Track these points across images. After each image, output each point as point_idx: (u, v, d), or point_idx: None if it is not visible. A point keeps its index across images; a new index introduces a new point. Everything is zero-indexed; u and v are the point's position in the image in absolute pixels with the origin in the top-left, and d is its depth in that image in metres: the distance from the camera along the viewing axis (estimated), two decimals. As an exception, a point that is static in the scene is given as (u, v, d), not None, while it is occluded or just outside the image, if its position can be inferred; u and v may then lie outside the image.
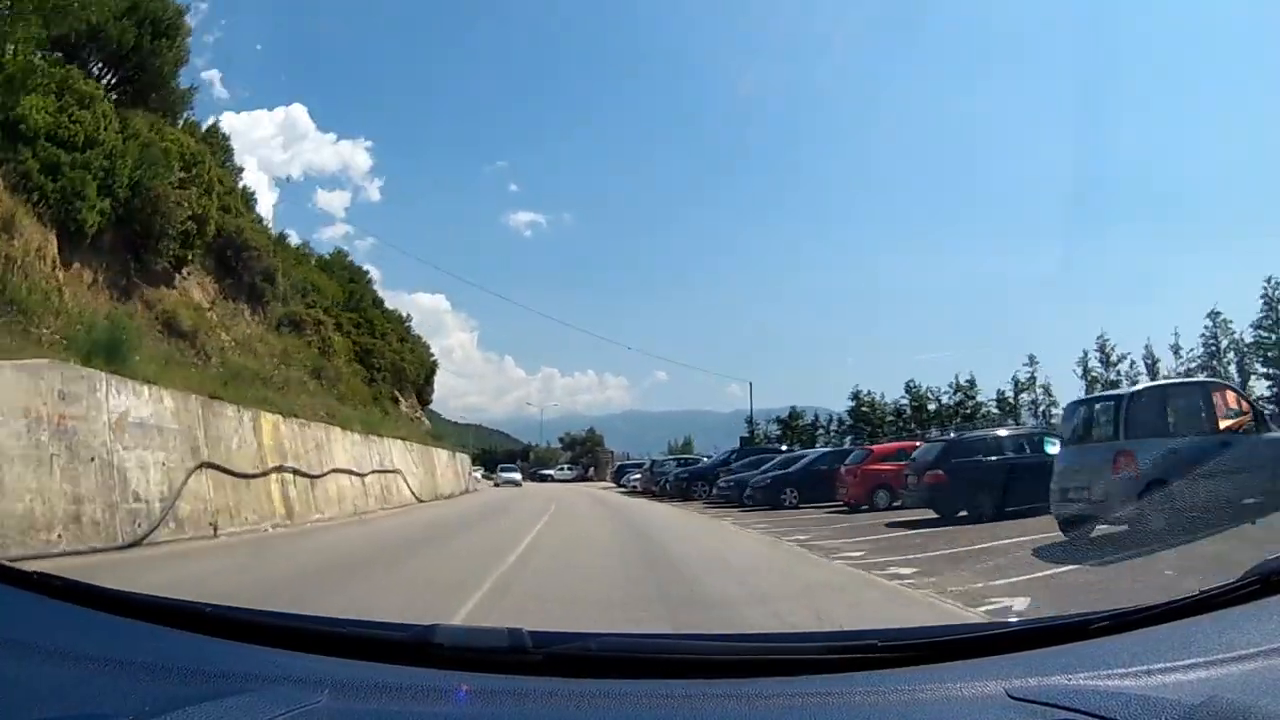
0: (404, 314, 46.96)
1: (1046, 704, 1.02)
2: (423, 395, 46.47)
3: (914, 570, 7.97)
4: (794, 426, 42.01)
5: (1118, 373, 30.48)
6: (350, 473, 18.73)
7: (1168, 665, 1.11)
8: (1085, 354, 31.31)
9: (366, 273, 41.84)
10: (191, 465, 11.44)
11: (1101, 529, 8.90)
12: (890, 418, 38.45)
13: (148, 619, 1.32)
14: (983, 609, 5.88)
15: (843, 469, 17.66)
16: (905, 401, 38.35)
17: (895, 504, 15.38)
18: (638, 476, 35.77)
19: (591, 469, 66.98)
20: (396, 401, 35.06)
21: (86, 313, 13.24)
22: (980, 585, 6.85)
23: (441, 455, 33.37)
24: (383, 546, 11.67)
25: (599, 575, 8.54)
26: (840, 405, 41.32)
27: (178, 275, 19.24)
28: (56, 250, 14.31)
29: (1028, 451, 13.49)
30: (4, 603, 1.34)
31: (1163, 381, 20.05)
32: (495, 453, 77.23)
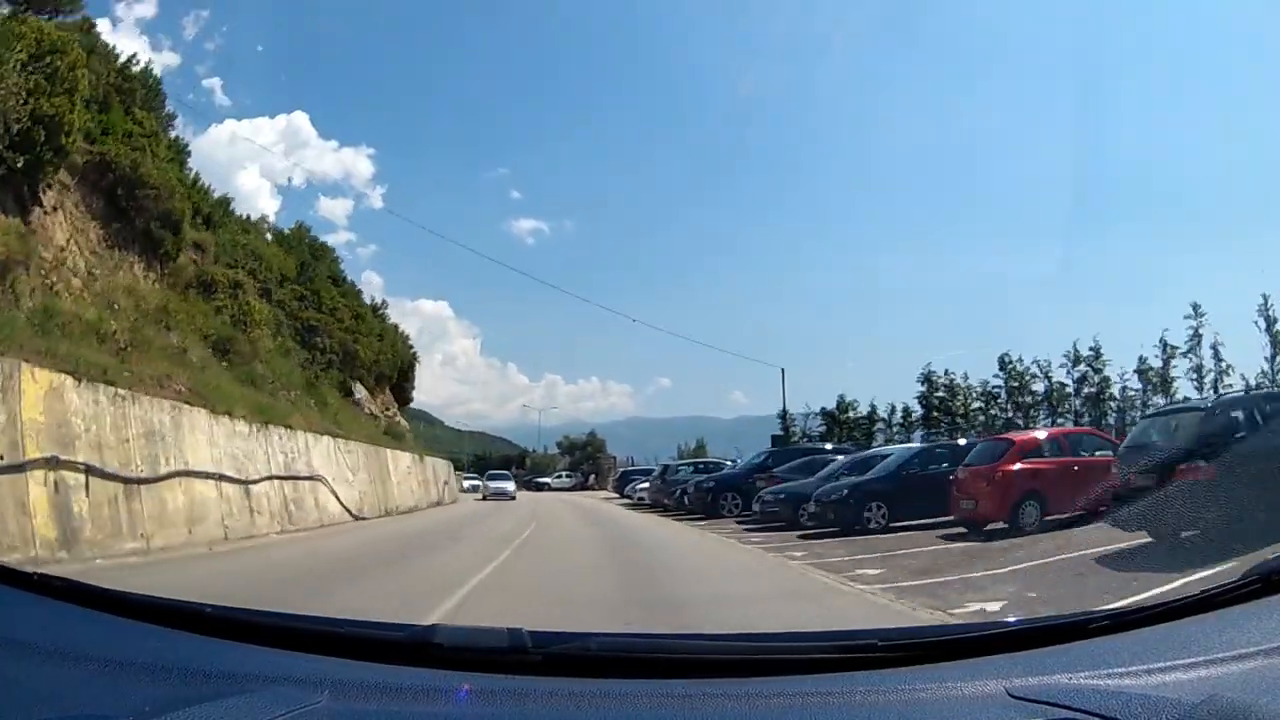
0: (378, 301, 41.77)
1: (1047, 703, 1.02)
2: (401, 393, 41.82)
3: None
4: (843, 420, 33.24)
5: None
6: (221, 478, 12.93)
7: (1168, 664, 1.11)
8: (1266, 300, 22.49)
9: (332, 250, 37.36)
10: None
11: None
12: (978, 404, 29.72)
13: (148, 619, 1.32)
14: None
15: (962, 471, 12.21)
16: (998, 382, 28.95)
17: (1049, 518, 10.82)
18: (645, 485, 29.04)
19: (592, 476, 61.05)
20: (349, 394, 29.81)
21: None
22: None
23: (401, 460, 27.09)
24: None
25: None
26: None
27: (39, 208, 15.04)
28: None
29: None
30: (4, 603, 1.34)
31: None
32: (489, 459, 71.59)
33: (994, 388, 29.26)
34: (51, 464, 9.00)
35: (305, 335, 27.34)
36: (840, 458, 18.45)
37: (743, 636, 1.61)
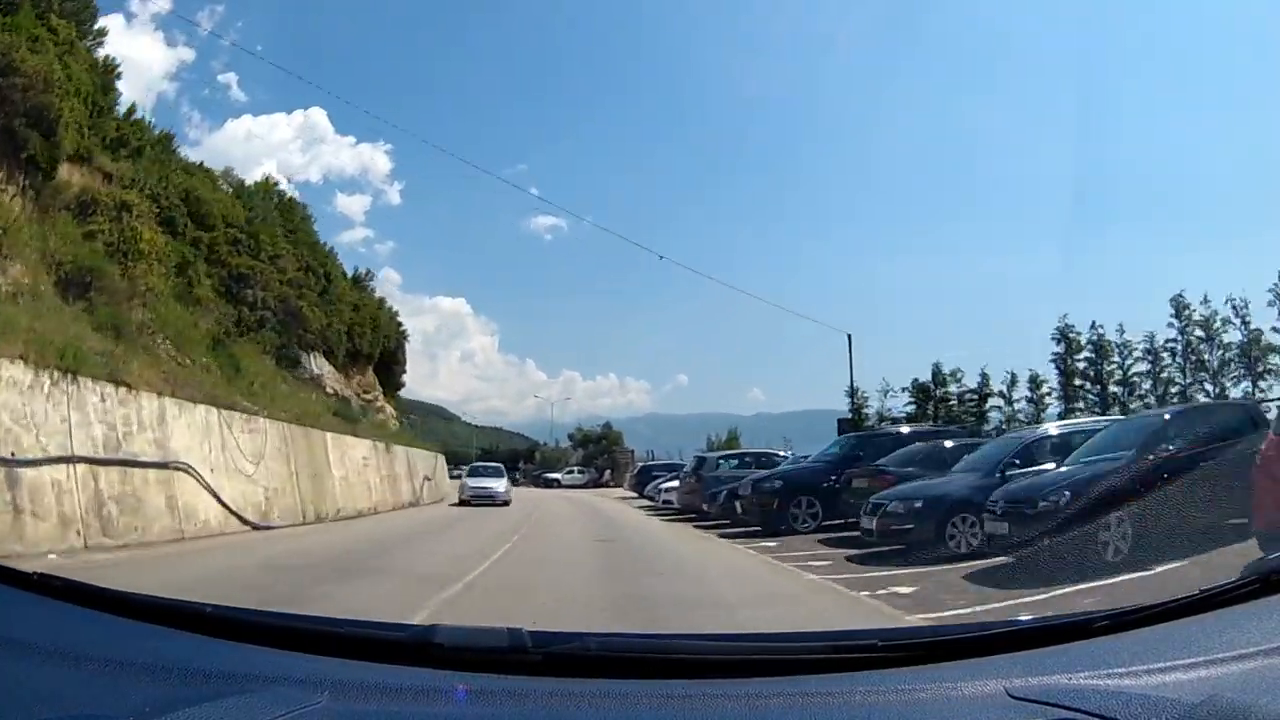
0: (362, 272, 37.55)
1: (1047, 703, 1.02)
2: (387, 376, 37.18)
3: None
4: (939, 398, 25.98)
5: None
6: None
7: (1168, 664, 1.11)
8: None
9: (304, 207, 32.63)
10: None
11: None
12: (1140, 366, 22.25)
13: (148, 619, 1.32)
14: None
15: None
16: (1171, 334, 21.82)
17: None
18: (671, 485, 22.37)
19: (608, 472, 55.10)
20: (294, 364, 24.17)
21: None
22: None
23: (352, 448, 21.10)
24: None
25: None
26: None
27: None
28: None
29: None
30: (4, 603, 1.34)
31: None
32: (495, 452, 66.26)
33: (1169, 342, 22.26)
34: None
35: (231, 285, 21.58)
36: (1002, 440, 12.72)
37: (743, 636, 1.62)
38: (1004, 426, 23.35)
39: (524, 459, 67.34)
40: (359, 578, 8.50)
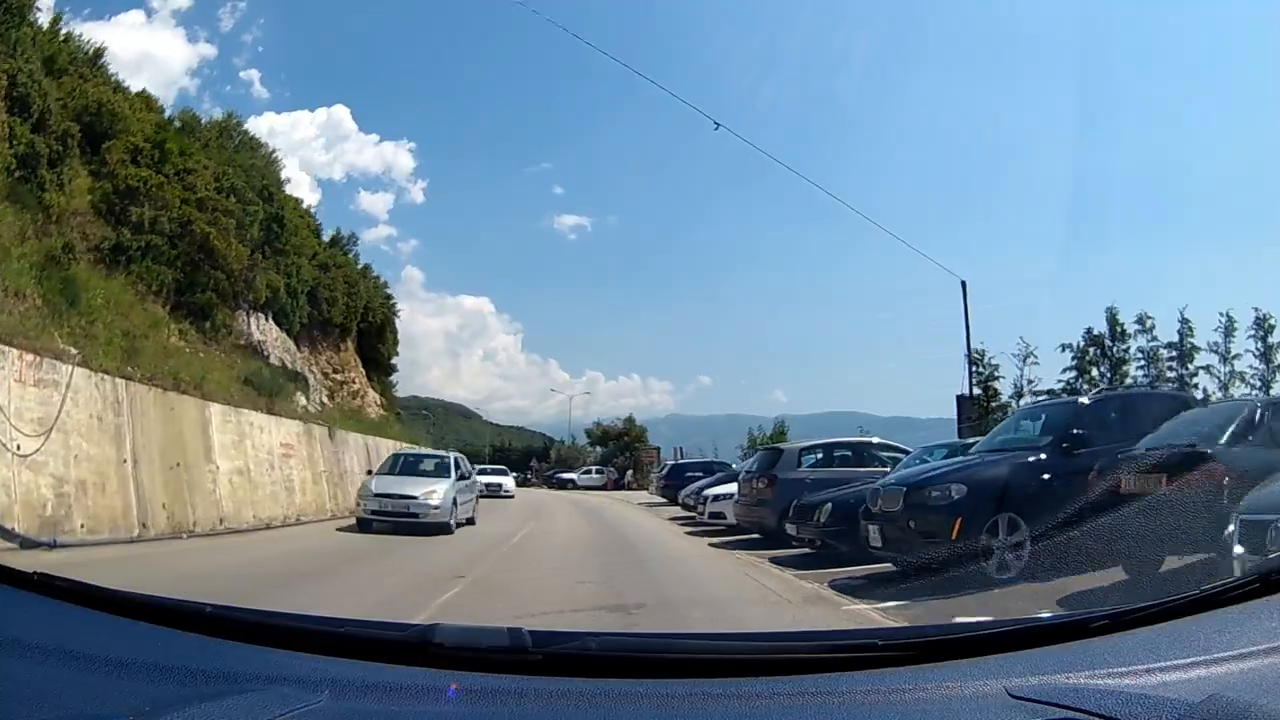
0: (344, 235, 31.97)
1: (1047, 703, 1.03)
2: (376, 362, 31.87)
3: None
4: (1114, 357, 19.78)
5: None
6: None
7: (1168, 664, 1.11)
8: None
9: (263, 145, 27.63)
10: None
11: None
12: None
13: (148, 619, 1.33)
14: None
15: None
16: None
17: None
18: (724, 493, 15.40)
19: (629, 472, 48.28)
20: (203, 316, 18.03)
21: None
22: None
23: (265, 434, 15.50)
24: None
25: None
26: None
27: None
28: None
29: None
30: (4, 603, 1.34)
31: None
32: (507, 450, 62.96)
33: None
34: None
35: (115, 201, 16.77)
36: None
37: (743, 636, 1.61)
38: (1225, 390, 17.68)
39: (538, 457, 62.80)
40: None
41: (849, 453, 13.19)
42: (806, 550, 10.19)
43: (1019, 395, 20.63)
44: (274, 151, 28.36)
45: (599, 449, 56.98)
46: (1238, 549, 4.68)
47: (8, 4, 15.04)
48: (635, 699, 1.14)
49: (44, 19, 17.66)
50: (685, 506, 19.20)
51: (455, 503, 14.12)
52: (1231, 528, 4.83)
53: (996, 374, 21.18)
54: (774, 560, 9.91)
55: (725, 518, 14.56)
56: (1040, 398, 19.39)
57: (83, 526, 9.76)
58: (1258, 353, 19.23)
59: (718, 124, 18.36)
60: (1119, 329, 20.19)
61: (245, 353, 19.62)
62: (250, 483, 14.47)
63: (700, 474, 21.94)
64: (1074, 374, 20.50)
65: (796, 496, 10.91)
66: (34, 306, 11.12)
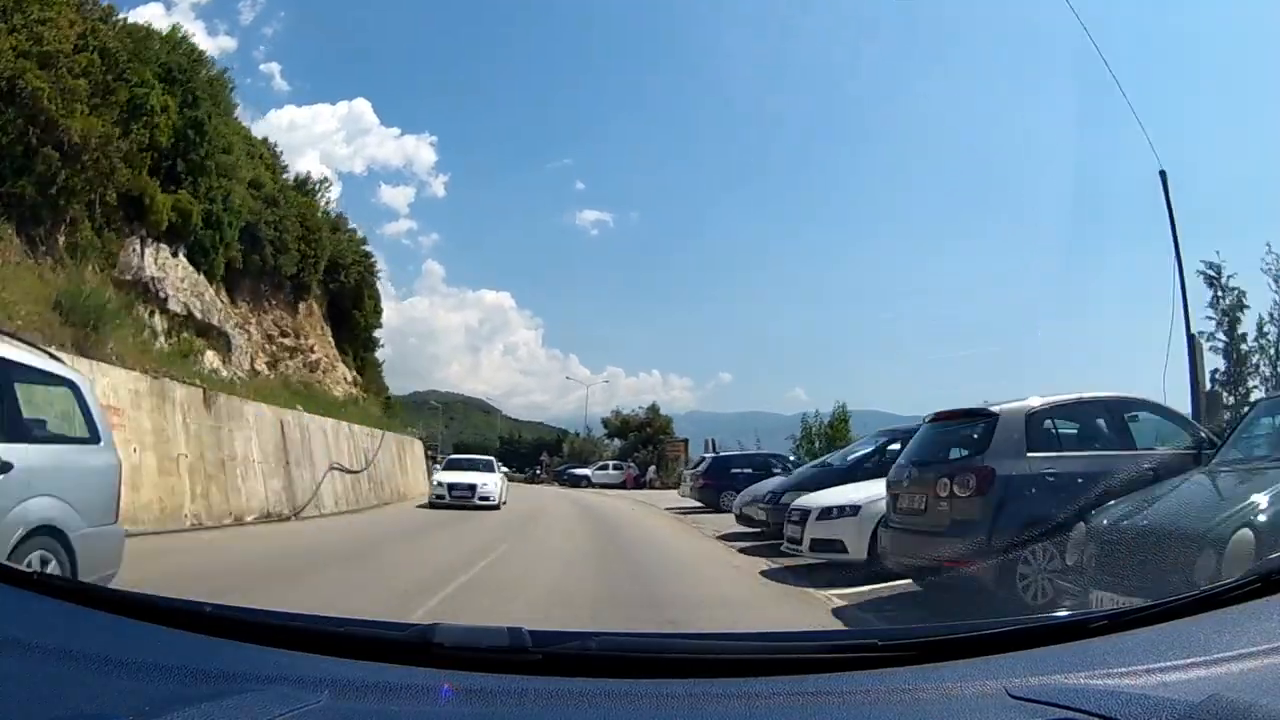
0: (314, 177, 26.79)
1: (1047, 703, 1.03)
2: (351, 330, 27.37)
3: None
4: None
5: None
6: None
7: (1168, 664, 1.11)
8: None
9: (220, 70, 20.59)
10: None
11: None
12: None
13: (148, 619, 1.33)
14: None
15: None
16: None
17: None
18: (849, 508, 8.37)
19: (652, 468, 42.20)
20: (35, 219, 13.71)
21: None
22: None
23: (107, 387, 10.28)
24: None
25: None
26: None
27: None
28: None
29: None
30: (4, 603, 1.34)
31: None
32: (517, 443, 59.35)
33: None
34: None
35: None
36: None
37: (743, 636, 1.61)
38: None
39: (548, 451, 56.63)
40: None
41: (1107, 419, 6.70)
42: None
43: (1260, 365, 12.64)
44: (191, 37, 20.23)
45: (617, 442, 50.10)
46: None
47: None
48: (636, 699, 1.14)
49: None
50: (745, 519, 12.87)
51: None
52: None
53: (1241, 304, 12.85)
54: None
55: (843, 550, 8.35)
56: None
57: None
58: None
59: None
60: None
61: (133, 292, 15.55)
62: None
63: (748, 469, 17.23)
64: None
65: (1037, 512, 5.64)
66: None
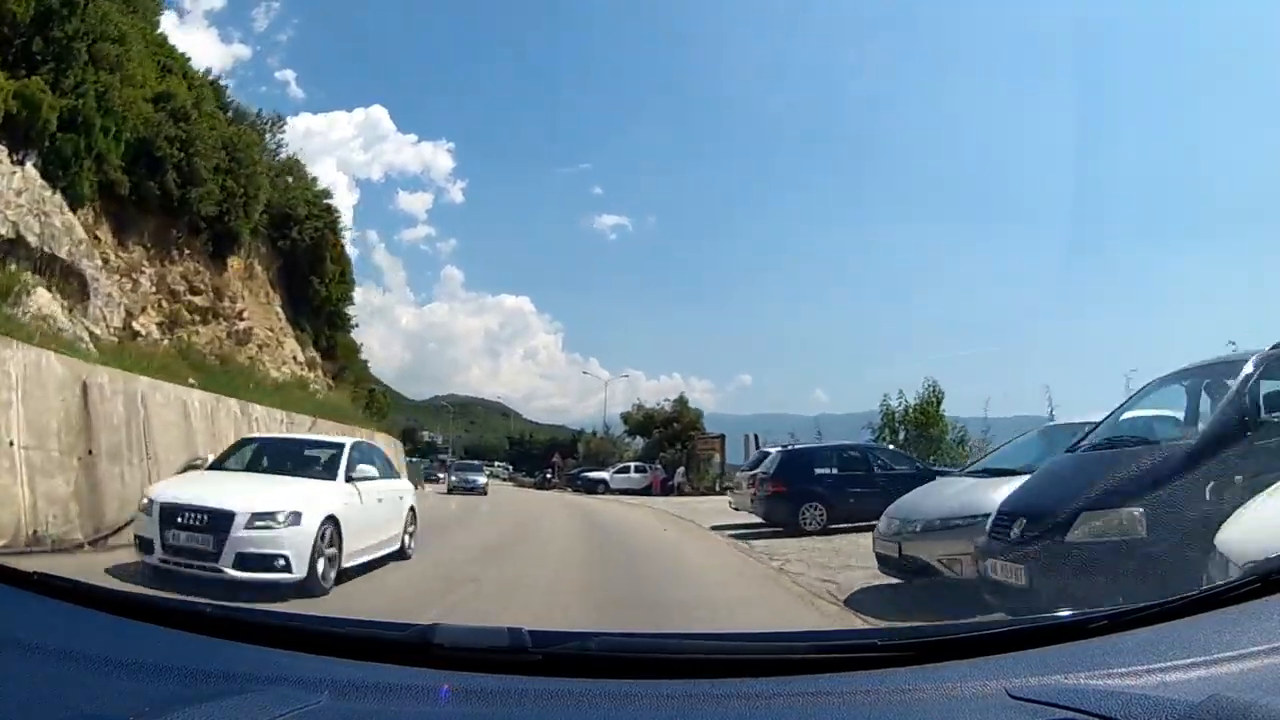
0: (281, 124, 23.75)
1: (1047, 703, 1.02)
2: (307, 300, 23.00)
3: None
4: None
5: None
6: None
7: (1168, 664, 1.11)
8: None
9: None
10: None
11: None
12: None
13: (148, 619, 1.33)
14: None
15: None
16: None
17: None
18: None
19: (680, 470, 36.27)
20: None
21: None
22: None
23: None
24: None
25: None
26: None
27: None
28: None
29: None
30: (4, 603, 1.34)
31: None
32: (529, 444, 54.17)
33: None
34: None
35: None
36: None
37: (743, 636, 1.61)
38: None
39: (561, 452, 49.39)
40: None
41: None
42: None
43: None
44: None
45: (640, 441, 43.59)
46: None
47: None
48: (636, 699, 1.14)
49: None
50: (892, 564, 7.22)
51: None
52: None
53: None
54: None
55: None
56: None
57: None
58: None
59: None
60: None
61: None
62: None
63: (835, 470, 12.64)
64: None
65: None
66: None
